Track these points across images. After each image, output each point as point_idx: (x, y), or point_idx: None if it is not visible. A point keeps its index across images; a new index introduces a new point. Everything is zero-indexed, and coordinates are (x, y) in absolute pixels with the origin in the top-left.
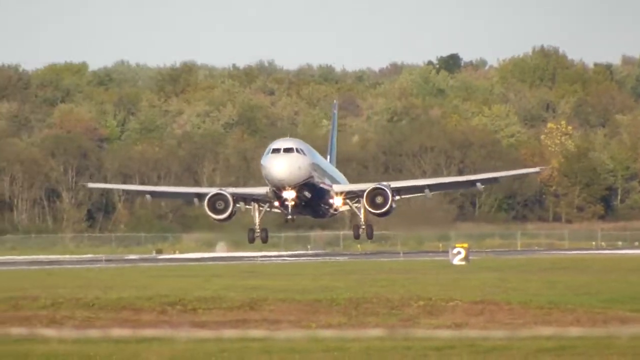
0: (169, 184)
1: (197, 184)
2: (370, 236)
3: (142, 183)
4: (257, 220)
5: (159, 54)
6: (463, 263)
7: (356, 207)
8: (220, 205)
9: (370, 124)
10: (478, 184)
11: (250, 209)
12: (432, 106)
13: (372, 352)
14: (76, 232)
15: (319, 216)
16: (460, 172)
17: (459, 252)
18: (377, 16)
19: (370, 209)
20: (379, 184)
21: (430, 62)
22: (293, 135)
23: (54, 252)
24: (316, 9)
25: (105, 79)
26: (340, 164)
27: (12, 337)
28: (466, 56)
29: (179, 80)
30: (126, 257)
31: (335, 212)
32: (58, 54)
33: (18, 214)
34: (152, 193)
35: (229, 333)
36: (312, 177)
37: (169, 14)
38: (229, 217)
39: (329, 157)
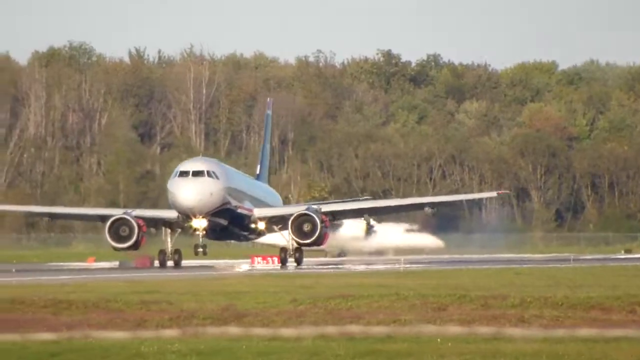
0: (638, 184)
1: None
2: (299, 262)
3: (611, 183)
4: (168, 244)
5: (629, 53)
6: None
7: (283, 232)
8: (124, 231)
9: None
10: (426, 208)
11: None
12: None
13: None
14: (545, 231)
15: (241, 241)
16: None
17: None
18: None
19: (296, 238)
20: (307, 209)
21: None
22: None
23: (523, 252)
24: None
25: (575, 78)
26: None
27: (480, 336)
28: None
29: None
30: (594, 257)
31: (260, 235)
32: (528, 53)
33: (487, 213)
34: (51, 215)
35: None
36: (227, 202)
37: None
38: (134, 245)
39: (259, 167)
